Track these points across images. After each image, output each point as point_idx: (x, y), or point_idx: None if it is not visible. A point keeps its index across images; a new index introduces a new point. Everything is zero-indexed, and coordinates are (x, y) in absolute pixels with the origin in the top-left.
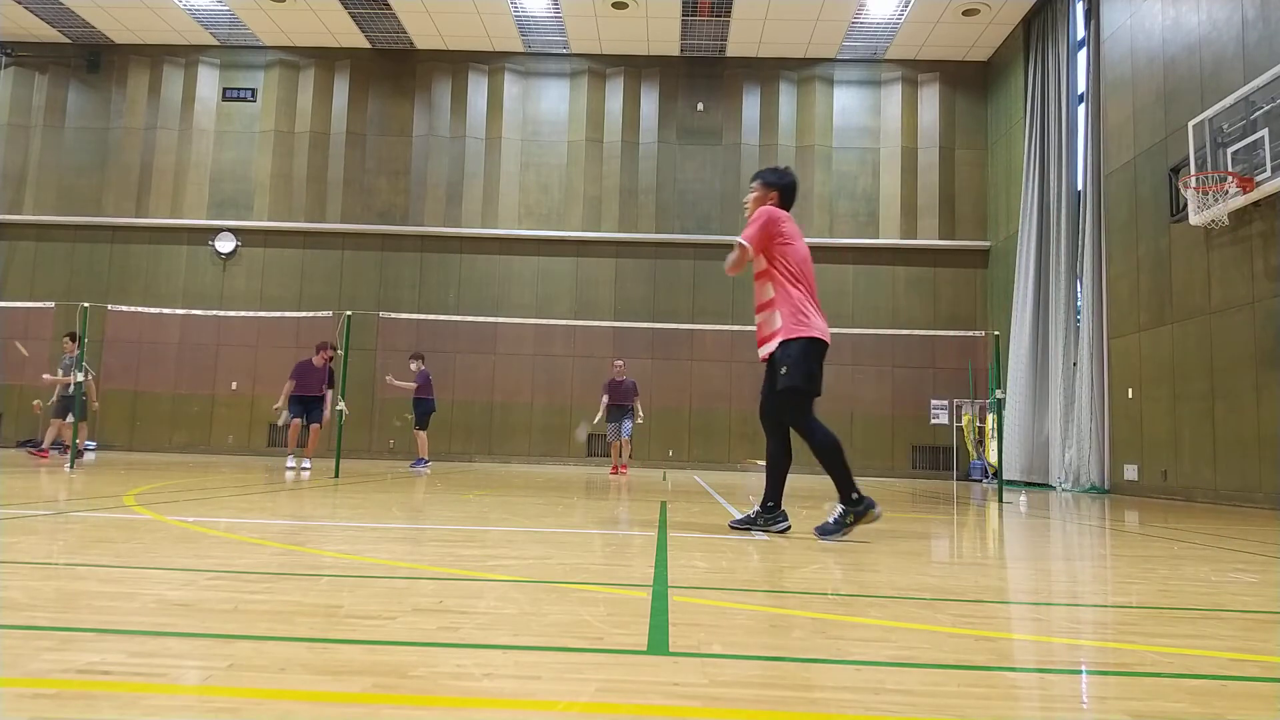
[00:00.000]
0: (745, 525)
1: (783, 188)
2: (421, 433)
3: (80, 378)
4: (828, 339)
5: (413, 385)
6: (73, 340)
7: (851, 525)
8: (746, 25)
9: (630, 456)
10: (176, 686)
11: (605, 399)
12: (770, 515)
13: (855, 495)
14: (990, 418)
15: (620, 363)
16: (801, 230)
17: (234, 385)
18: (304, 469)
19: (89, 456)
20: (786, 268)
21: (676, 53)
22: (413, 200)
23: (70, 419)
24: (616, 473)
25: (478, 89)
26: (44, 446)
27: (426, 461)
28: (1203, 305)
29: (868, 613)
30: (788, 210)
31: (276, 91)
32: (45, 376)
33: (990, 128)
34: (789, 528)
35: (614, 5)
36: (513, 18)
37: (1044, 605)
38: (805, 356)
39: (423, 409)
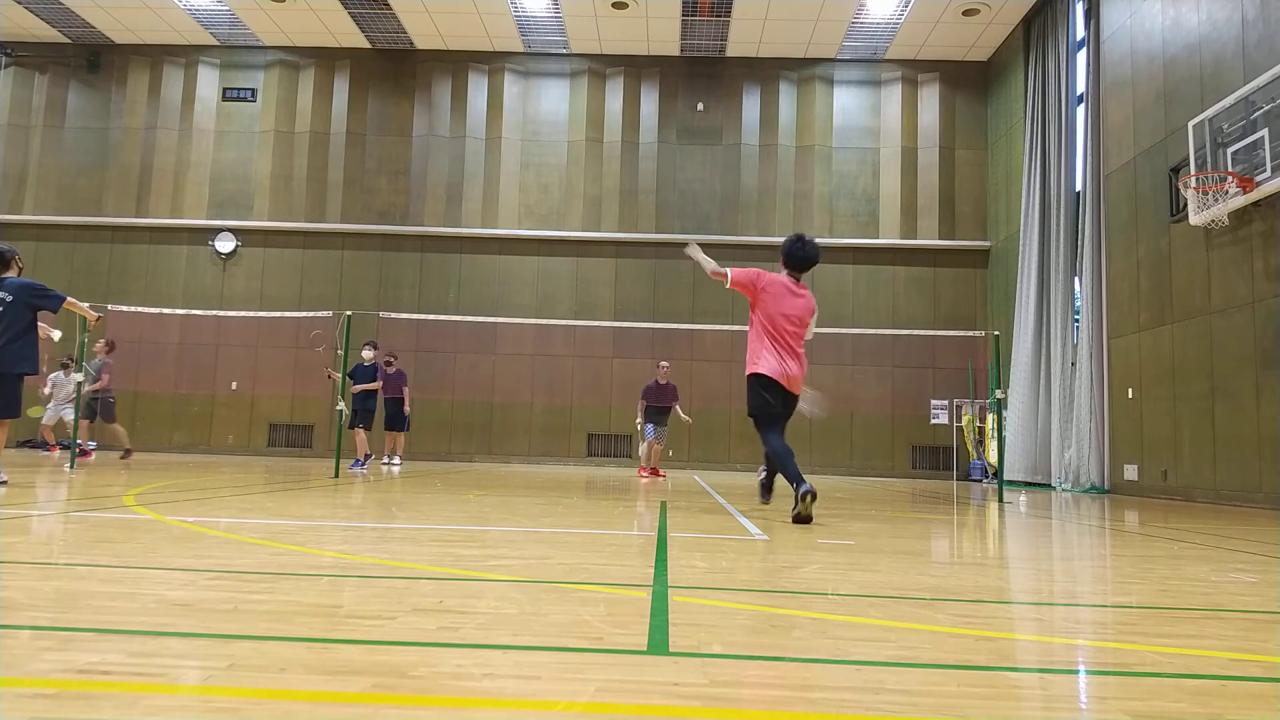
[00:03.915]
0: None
1: (783, 254)
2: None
3: (80, 378)
4: (773, 375)
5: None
6: (110, 347)
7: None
8: (746, 25)
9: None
10: (176, 686)
11: (644, 403)
12: (767, 492)
13: (795, 484)
14: (990, 418)
15: (665, 365)
16: (793, 288)
17: (234, 385)
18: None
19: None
20: (757, 319)
21: (676, 53)
22: (413, 200)
23: (97, 419)
24: (653, 475)
25: (478, 89)
26: (91, 447)
27: (362, 463)
28: (1203, 305)
29: (868, 613)
30: (794, 270)
31: (276, 91)
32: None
33: (990, 128)
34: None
35: (614, 5)
36: (513, 18)
37: (1044, 605)
38: (750, 388)
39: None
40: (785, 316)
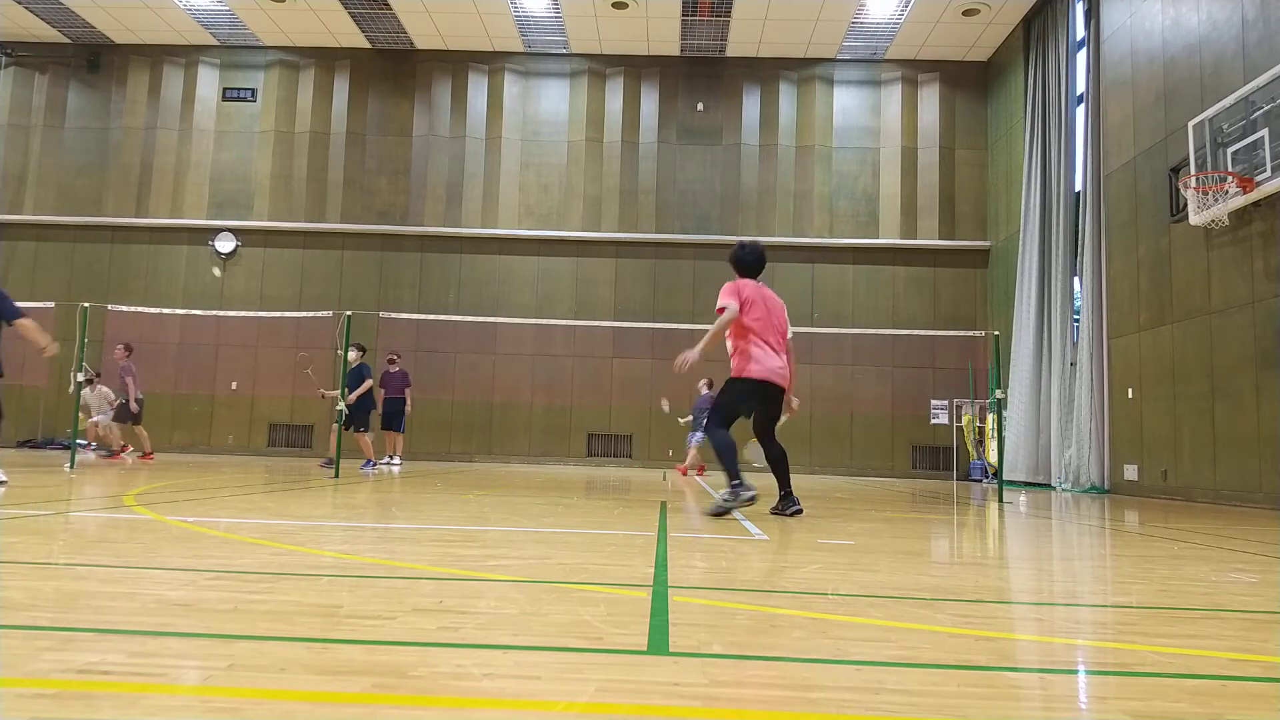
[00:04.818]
0: (782, 510)
1: (736, 261)
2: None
3: (80, 378)
4: (766, 377)
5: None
6: (127, 350)
7: (733, 504)
8: (746, 25)
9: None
10: (176, 686)
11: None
12: (786, 501)
13: (736, 482)
14: (990, 418)
15: (707, 380)
16: (764, 291)
17: (234, 385)
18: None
19: (87, 456)
20: (742, 325)
21: (676, 53)
22: (413, 200)
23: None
24: (684, 473)
25: (478, 89)
26: (147, 450)
27: (374, 463)
28: (1203, 305)
29: (868, 613)
30: (752, 275)
31: (276, 91)
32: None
33: (990, 128)
34: (801, 510)
35: (614, 5)
36: (513, 18)
37: (1044, 605)
38: (730, 389)
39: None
40: (768, 320)
